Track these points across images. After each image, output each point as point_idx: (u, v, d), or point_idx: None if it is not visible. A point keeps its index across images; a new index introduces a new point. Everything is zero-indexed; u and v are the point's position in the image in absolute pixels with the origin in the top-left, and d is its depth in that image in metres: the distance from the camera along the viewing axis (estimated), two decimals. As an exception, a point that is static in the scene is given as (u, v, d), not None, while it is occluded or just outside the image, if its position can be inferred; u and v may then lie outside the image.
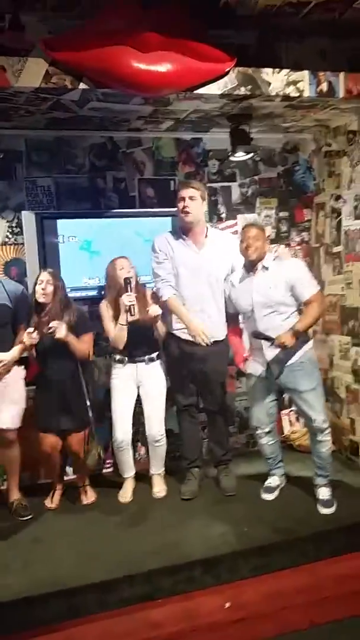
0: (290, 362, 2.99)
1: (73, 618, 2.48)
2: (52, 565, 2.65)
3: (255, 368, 3.12)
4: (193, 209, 3.05)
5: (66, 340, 2.92)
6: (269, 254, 3.04)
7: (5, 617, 2.42)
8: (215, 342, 3.12)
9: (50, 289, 2.99)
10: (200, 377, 3.25)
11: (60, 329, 2.89)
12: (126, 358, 3.21)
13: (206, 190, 3.20)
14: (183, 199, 3.05)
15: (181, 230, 3.18)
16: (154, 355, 3.24)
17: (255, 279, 2.98)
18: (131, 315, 3.01)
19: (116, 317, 3.10)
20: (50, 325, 2.90)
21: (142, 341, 3.20)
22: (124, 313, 3.02)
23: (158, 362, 3.27)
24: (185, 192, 3.05)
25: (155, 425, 3.26)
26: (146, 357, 3.22)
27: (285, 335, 2.86)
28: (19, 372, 3.08)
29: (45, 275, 3.02)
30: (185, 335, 3.13)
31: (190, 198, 3.04)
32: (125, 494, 3.30)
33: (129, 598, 2.56)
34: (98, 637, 2.43)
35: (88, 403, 3.11)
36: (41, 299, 2.99)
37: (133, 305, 2.98)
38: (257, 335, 2.96)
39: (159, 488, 3.35)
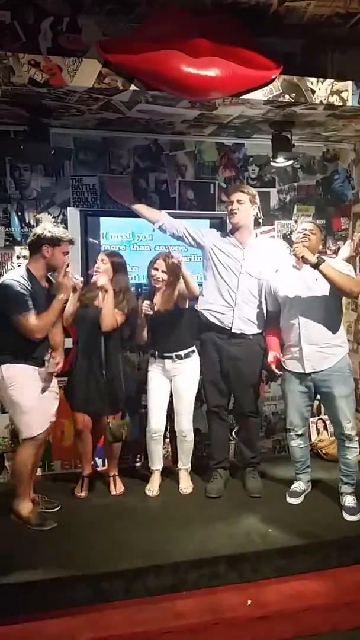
0: (327, 366, 3.03)
1: (99, 602, 2.55)
2: (81, 550, 2.72)
3: (292, 365, 3.14)
4: (240, 211, 3.19)
5: (105, 290, 3.02)
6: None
7: (33, 597, 2.50)
8: (247, 340, 3.22)
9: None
10: (233, 375, 3.29)
11: (101, 278, 3.02)
12: (157, 353, 3.30)
13: (257, 196, 3.27)
14: (232, 202, 3.20)
15: (229, 231, 3.33)
16: (182, 352, 3.26)
17: (303, 272, 3.05)
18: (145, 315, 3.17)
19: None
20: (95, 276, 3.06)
21: (170, 338, 3.25)
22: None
23: (189, 359, 3.30)
24: (234, 196, 3.21)
25: (184, 421, 3.31)
26: (174, 354, 3.26)
27: (304, 249, 2.90)
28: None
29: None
30: (211, 317, 3.24)
31: (239, 201, 3.18)
32: (153, 487, 3.36)
33: (155, 588, 2.62)
34: (122, 622, 2.47)
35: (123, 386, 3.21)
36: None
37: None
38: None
39: (186, 484, 3.40)
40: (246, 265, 3.22)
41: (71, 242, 2.91)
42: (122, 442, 3.25)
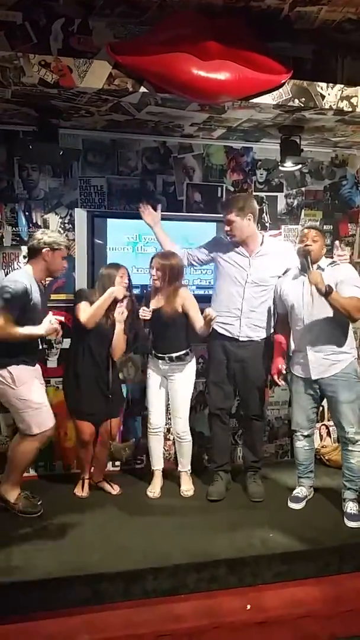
0: (333, 372, 3.03)
1: (97, 604, 2.54)
2: (80, 551, 2.72)
3: (298, 370, 3.15)
4: (235, 229, 3.18)
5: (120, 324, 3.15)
6: (324, 258, 3.11)
7: (31, 597, 2.49)
8: (255, 343, 3.24)
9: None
10: (240, 377, 3.29)
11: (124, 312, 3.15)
12: (153, 352, 3.33)
13: (253, 205, 3.23)
14: (228, 221, 3.18)
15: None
16: (174, 355, 3.23)
17: (307, 281, 3.01)
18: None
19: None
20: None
21: (165, 339, 3.25)
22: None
23: (182, 362, 3.27)
24: (226, 217, 3.19)
25: (179, 422, 3.32)
26: (166, 355, 3.25)
27: (318, 275, 2.88)
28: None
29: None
30: (219, 329, 3.22)
31: (233, 222, 3.16)
32: (154, 489, 3.36)
33: (153, 590, 2.61)
34: (119, 624, 2.47)
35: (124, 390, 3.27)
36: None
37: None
38: (299, 254, 3.05)
39: (187, 487, 3.40)
40: (253, 273, 3.21)
41: (67, 248, 3.01)
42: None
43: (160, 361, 3.28)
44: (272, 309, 3.29)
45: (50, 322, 2.81)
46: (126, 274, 3.20)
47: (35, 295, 2.88)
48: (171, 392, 3.32)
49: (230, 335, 3.24)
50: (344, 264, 3.11)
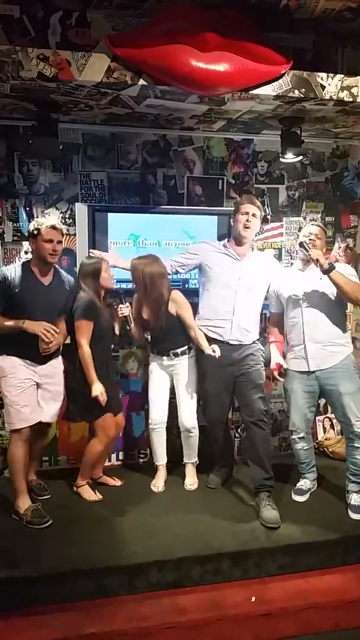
0: (332, 364, 3.03)
1: (101, 597, 2.56)
2: (85, 545, 2.73)
3: (296, 364, 3.14)
4: (253, 225, 3.15)
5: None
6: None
7: (36, 591, 2.51)
8: (245, 346, 3.18)
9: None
10: (237, 380, 3.20)
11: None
12: (155, 350, 3.33)
13: (262, 212, 3.25)
14: (247, 213, 3.13)
15: (231, 240, 3.26)
16: (179, 350, 3.24)
17: (307, 272, 3.05)
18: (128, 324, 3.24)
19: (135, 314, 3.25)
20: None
21: (166, 341, 3.27)
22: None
23: (186, 355, 3.27)
24: (249, 208, 3.14)
25: (186, 416, 3.29)
26: (170, 352, 3.25)
27: (319, 252, 2.91)
28: (61, 364, 3.12)
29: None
30: (210, 333, 3.18)
31: (254, 215, 3.13)
32: (158, 483, 3.37)
33: (158, 583, 2.62)
34: (125, 617, 2.48)
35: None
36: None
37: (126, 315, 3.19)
38: (300, 244, 3.03)
39: (192, 480, 3.40)
40: (244, 276, 3.17)
41: (53, 227, 2.91)
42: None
43: (165, 357, 3.28)
44: (260, 312, 3.27)
45: (44, 328, 2.83)
46: (109, 269, 3.17)
47: (23, 286, 2.86)
48: (177, 388, 3.31)
49: (221, 339, 3.17)
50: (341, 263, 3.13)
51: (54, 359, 3.04)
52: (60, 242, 2.93)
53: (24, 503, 2.96)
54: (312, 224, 3.17)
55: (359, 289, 2.95)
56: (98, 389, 2.96)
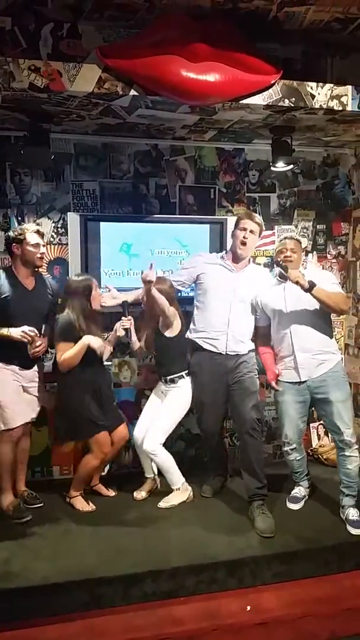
0: (321, 372, 3.03)
1: (96, 608, 2.53)
2: (79, 555, 2.70)
3: (286, 375, 3.13)
4: (249, 242, 3.14)
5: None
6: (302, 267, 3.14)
7: (30, 602, 2.48)
8: (240, 355, 3.18)
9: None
10: (231, 389, 3.19)
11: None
12: (157, 372, 3.38)
13: (262, 228, 3.24)
14: (245, 229, 3.13)
15: (229, 252, 3.26)
16: (169, 377, 3.25)
17: (287, 286, 3.03)
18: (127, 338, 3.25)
19: (138, 330, 3.28)
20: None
21: (162, 360, 3.30)
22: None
23: (179, 383, 3.25)
24: (247, 224, 3.14)
25: (149, 437, 3.19)
26: (164, 377, 3.29)
27: (298, 273, 2.90)
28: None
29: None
30: (205, 345, 3.18)
31: (251, 231, 3.13)
32: (140, 492, 3.35)
33: (152, 593, 2.60)
34: (119, 628, 2.46)
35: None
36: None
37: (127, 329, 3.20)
38: (277, 264, 3.04)
39: (166, 501, 3.25)
40: (239, 287, 3.16)
41: (38, 232, 2.99)
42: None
43: (161, 381, 3.34)
44: (253, 322, 3.26)
45: (22, 330, 2.86)
46: (97, 286, 3.15)
47: (9, 292, 2.91)
48: (157, 409, 3.30)
49: (216, 350, 3.17)
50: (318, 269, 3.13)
51: (37, 364, 3.13)
52: (44, 246, 3.03)
53: (7, 499, 3.06)
54: (286, 238, 3.14)
55: (341, 300, 2.99)
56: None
